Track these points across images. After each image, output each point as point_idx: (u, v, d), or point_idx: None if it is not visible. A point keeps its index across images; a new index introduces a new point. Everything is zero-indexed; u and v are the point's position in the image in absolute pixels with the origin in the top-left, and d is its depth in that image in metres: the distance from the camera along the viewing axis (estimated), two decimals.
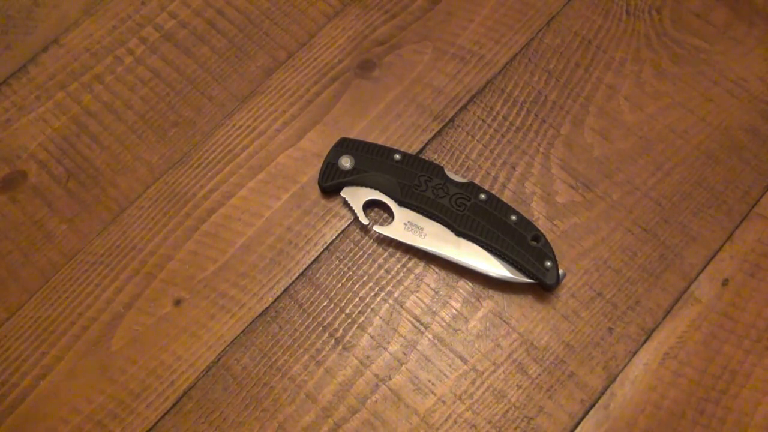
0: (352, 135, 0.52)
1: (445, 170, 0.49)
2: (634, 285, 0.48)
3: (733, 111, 0.52)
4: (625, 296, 0.48)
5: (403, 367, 0.46)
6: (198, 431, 0.45)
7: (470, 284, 0.48)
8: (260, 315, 0.48)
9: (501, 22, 0.56)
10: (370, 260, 0.49)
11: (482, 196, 0.48)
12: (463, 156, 0.51)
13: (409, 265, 0.49)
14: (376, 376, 0.46)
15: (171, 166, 0.52)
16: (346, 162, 0.50)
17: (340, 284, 0.48)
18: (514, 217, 0.48)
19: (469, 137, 0.52)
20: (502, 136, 0.52)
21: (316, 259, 0.49)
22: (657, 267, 0.48)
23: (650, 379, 0.46)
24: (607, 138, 0.52)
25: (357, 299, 0.48)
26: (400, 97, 0.53)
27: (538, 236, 0.47)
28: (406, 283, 0.48)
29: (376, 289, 0.48)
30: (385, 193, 0.49)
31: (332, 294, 0.48)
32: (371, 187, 0.49)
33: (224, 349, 0.47)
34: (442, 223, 0.48)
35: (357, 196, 0.50)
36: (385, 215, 0.50)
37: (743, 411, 0.45)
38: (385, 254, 0.49)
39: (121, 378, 0.47)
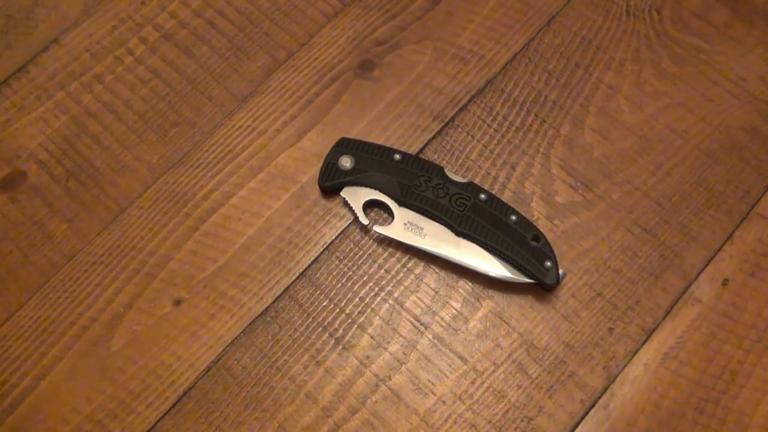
0: (352, 135, 0.52)
1: (445, 170, 0.49)
2: (634, 285, 0.48)
3: (733, 111, 0.52)
4: (625, 296, 0.48)
5: (403, 367, 0.46)
6: (198, 431, 0.45)
7: (470, 284, 0.48)
8: (260, 315, 0.48)
9: (501, 22, 0.56)
10: (370, 260, 0.49)
11: (482, 196, 0.48)
12: (463, 156, 0.51)
13: (409, 265, 0.49)
14: (376, 376, 0.46)
15: (171, 166, 0.52)
16: (346, 162, 0.50)
17: (340, 284, 0.48)
18: (514, 217, 0.48)
19: (469, 137, 0.52)
20: (502, 136, 0.52)
21: (316, 259, 0.49)
22: (657, 267, 0.48)
23: (650, 379, 0.46)
24: (607, 138, 0.52)
25: (357, 299, 0.48)
26: (400, 97, 0.53)
27: (538, 236, 0.47)
28: (406, 283, 0.48)
29: (376, 289, 0.48)
30: (385, 193, 0.49)
31: (332, 294, 0.48)
32: (371, 187, 0.49)
33: (224, 349, 0.47)
34: (442, 223, 0.48)
35: (357, 196, 0.50)
36: (385, 215, 0.50)
37: (743, 411, 0.45)
38: (385, 254, 0.49)
39: (121, 378, 0.47)
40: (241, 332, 0.47)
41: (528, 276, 0.47)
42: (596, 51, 0.54)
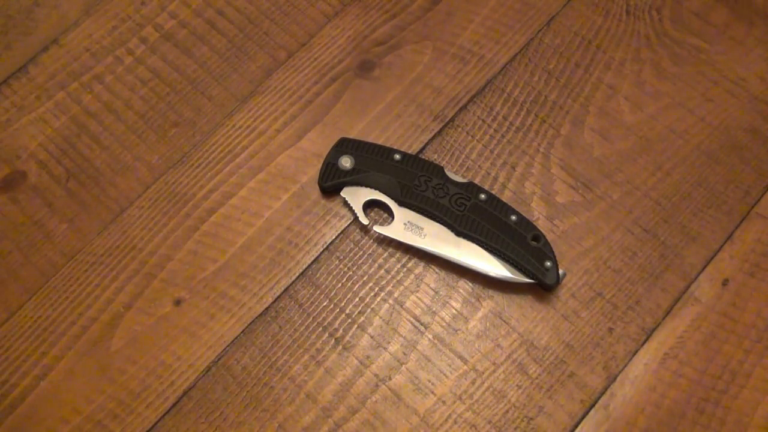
0: (352, 135, 0.52)
1: (445, 170, 0.49)
2: (634, 285, 0.48)
3: (733, 111, 0.52)
4: (625, 296, 0.48)
5: (403, 367, 0.46)
6: (198, 431, 0.45)
7: (470, 284, 0.48)
8: (260, 315, 0.48)
9: (501, 22, 0.56)
10: (370, 260, 0.49)
11: (482, 196, 0.48)
12: (463, 156, 0.52)
13: (409, 265, 0.49)
14: (376, 376, 0.46)
15: (171, 166, 0.52)
16: (346, 162, 0.50)
17: (340, 284, 0.48)
18: (514, 217, 0.48)
19: (469, 137, 0.52)
20: (502, 136, 0.52)
21: (316, 259, 0.49)
22: (657, 267, 0.48)
23: (650, 379, 0.46)
24: (607, 138, 0.52)
25: (357, 299, 0.48)
26: (400, 97, 0.53)
27: (538, 236, 0.47)
28: (406, 283, 0.48)
29: (376, 289, 0.48)
30: (385, 193, 0.49)
31: (332, 294, 0.48)
32: (371, 187, 0.49)
33: (224, 349, 0.47)
34: (442, 223, 0.48)
35: (357, 196, 0.50)
36: (385, 215, 0.50)
37: (743, 411, 0.45)
38: (385, 254, 0.49)
39: (121, 378, 0.47)
40: (241, 332, 0.47)
41: (528, 276, 0.47)
42: (596, 51, 0.54)
